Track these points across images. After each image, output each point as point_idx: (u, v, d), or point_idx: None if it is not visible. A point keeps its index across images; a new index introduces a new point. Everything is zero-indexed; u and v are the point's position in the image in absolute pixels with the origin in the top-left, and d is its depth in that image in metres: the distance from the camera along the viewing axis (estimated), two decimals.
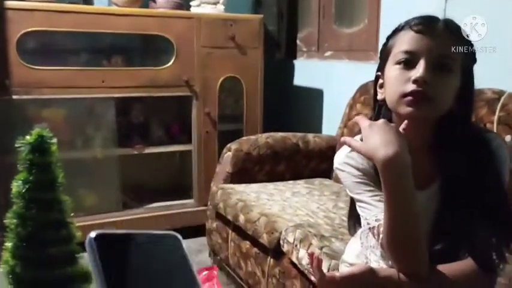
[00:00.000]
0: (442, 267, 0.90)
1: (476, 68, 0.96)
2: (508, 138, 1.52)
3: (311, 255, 0.90)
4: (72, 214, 0.96)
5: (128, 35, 2.38)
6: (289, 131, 2.38)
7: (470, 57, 0.93)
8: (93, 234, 0.34)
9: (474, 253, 0.90)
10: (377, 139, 0.85)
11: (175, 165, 2.76)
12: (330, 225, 1.60)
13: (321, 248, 1.40)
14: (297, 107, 3.01)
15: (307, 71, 2.94)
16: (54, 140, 0.91)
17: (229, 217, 1.89)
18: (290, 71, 3.04)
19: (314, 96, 2.80)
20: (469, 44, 0.93)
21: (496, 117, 1.57)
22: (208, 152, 2.53)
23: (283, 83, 3.08)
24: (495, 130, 1.55)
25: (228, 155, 2.13)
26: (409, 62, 0.90)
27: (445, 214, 0.93)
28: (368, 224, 0.95)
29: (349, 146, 0.91)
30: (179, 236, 0.37)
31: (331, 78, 2.67)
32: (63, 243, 0.87)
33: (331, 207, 1.78)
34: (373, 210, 0.95)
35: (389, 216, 0.87)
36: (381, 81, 0.99)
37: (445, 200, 0.94)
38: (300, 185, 2.10)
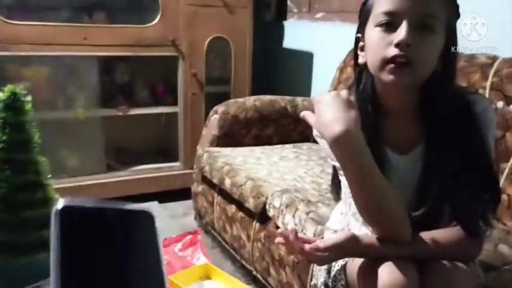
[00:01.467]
0: (427, 234, 0.88)
1: None
2: (500, 104, 1.49)
3: (283, 236, 0.90)
4: (49, 176, 0.91)
5: None
6: (278, 94, 2.33)
7: (453, 15, 0.89)
8: (60, 205, 0.30)
9: (459, 218, 0.88)
10: (326, 116, 0.81)
11: (160, 127, 2.70)
12: (316, 190, 1.58)
13: (307, 213, 1.38)
14: (287, 70, 2.94)
15: (297, 33, 2.86)
16: (29, 98, 0.86)
17: (215, 181, 1.86)
18: (280, 33, 2.96)
19: (304, 59, 2.73)
20: (453, 1, 0.88)
21: (488, 83, 1.53)
22: (194, 115, 2.48)
23: (272, 45, 3.00)
24: (487, 96, 1.53)
25: (214, 118, 2.08)
26: (390, 24, 0.84)
27: (428, 178, 0.91)
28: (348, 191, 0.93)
29: (307, 121, 0.87)
30: (153, 213, 0.33)
31: (322, 40, 2.60)
32: (39, 206, 0.83)
33: (318, 172, 1.76)
34: None
35: (352, 190, 0.85)
36: (361, 43, 0.94)
37: (428, 163, 0.91)
38: (288, 150, 2.07)
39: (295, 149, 2.07)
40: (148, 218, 0.33)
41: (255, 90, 2.59)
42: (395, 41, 0.82)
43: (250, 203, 1.62)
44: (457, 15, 0.90)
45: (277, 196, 1.52)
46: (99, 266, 0.31)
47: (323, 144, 0.99)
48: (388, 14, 0.84)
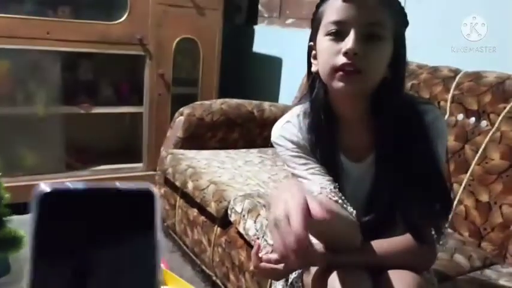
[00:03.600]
0: (379, 242, 0.89)
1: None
2: (460, 116, 1.53)
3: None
4: None
5: None
6: (246, 98, 2.32)
7: (401, 22, 0.90)
8: (42, 189, 0.26)
9: (409, 226, 0.89)
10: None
11: (124, 127, 2.64)
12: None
13: None
14: (255, 74, 2.94)
15: (267, 38, 2.86)
16: None
17: (178, 183, 1.83)
18: (250, 37, 2.95)
19: (273, 64, 2.73)
20: (400, 7, 0.89)
21: (450, 95, 1.57)
22: (160, 116, 2.43)
23: (242, 49, 2.99)
24: (448, 108, 1.56)
25: (179, 120, 2.05)
26: (338, 33, 0.85)
27: (378, 186, 0.92)
28: None
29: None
30: (154, 192, 0.29)
31: (291, 46, 2.61)
32: None
33: (282, 178, 1.75)
34: (306, 184, 0.93)
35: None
36: (314, 52, 0.94)
37: (379, 171, 0.92)
38: (253, 154, 2.06)
39: (260, 154, 2.06)
40: (147, 199, 0.29)
41: (223, 93, 2.57)
42: (343, 49, 0.83)
43: (212, 207, 1.59)
44: (405, 24, 0.91)
45: (240, 201, 1.50)
46: (86, 255, 0.27)
47: (280, 151, 0.99)
48: (336, 23, 0.85)
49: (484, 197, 1.39)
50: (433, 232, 0.89)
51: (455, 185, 1.47)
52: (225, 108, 2.11)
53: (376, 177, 0.92)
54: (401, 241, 0.89)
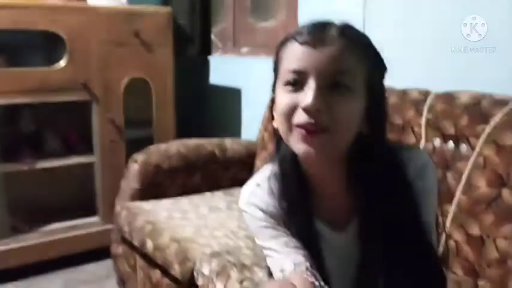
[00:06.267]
0: None
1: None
2: (437, 142, 1.41)
3: None
4: None
5: (9, 31, 2.01)
6: (206, 134, 2.16)
7: (376, 68, 0.75)
8: None
9: None
10: None
11: (75, 180, 2.41)
12: (251, 248, 1.40)
13: (241, 282, 1.19)
14: (214, 109, 2.78)
15: (223, 69, 2.72)
16: None
17: (136, 243, 1.63)
18: (205, 69, 2.81)
19: (232, 96, 2.58)
20: (373, 51, 0.74)
21: (423, 120, 1.45)
22: (114, 164, 2.23)
23: (197, 82, 2.84)
24: (423, 134, 1.44)
25: (134, 169, 1.86)
26: (297, 83, 0.70)
27: (365, 259, 0.77)
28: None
29: None
30: None
31: (250, 76, 2.48)
32: None
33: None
34: (278, 259, 0.79)
35: None
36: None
37: (364, 241, 0.77)
38: (218, 197, 1.89)
39: (227, 197, 1.89)
40: None
41: (181, 132, 2.40)
42: (302, 105, 0.68)
43: (176, 270, 1.40)
44: (382, 69, 0.76)
45: (206, 261, 1.32)
46: None
47: (248, 220, 0.84)
48: (294, 72, 0.70)
49: (475, 230, 1.26)
50: None
51: (441, 218, 1.34)
52: (183, 151, 1.93)
53: (361, 250, 0.77)
54: None
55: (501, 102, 1.30)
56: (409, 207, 0.74)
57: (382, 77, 0.76)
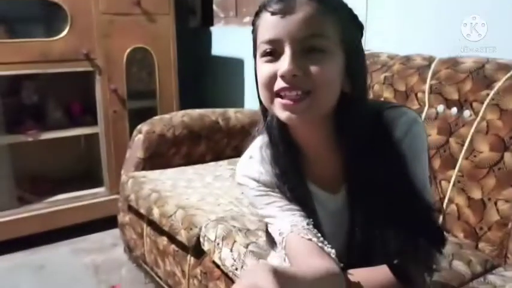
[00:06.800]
0: (358, 273, 0.76)
1: None
2: (440, 108, 1.41)
3: None
4: None
5: (10, 2, 1.99)
6: (209, 106, 2.16)
7: (351, 27, 0.74)
8: None
9: (391, 266, 0.76)
10: None
11: (80, 150, 2.43)
12: (255, 214, 1.42)
13: (247, 246, 1.21)
14: (217, 79, 2.77)
15: (225, 39, 2.70)
16: None
17: (142, 211, 1.65)
18: (207, 40, 2.79)
19: (234, 67, 2.57)
20: (346, 10, 0.74)
21: (427, 86, 1.45)
22: (118, 134, 2.24)
23: (200, 53, 2.82)
24: (427, 100, 1.44)
25: (138, 138, 1.87)
26: (273, 53, 0.70)
27: (357, 221, 0.78)
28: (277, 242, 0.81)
29: None
30: None
31: (251, 46, 2.46)
32: None
33: None
34: (276, 223, 0.80)
35: None
36: None
37: (353, 202, 0.78)
38: (223, 167, 1.90)
39: (231, 166, 1.90)
40: None
41: (184, 103, 2.40)
42: (279, 72, 0.69)
43: (183, 236, 1.43)
44: (357, 27, 0.75)
45: (212, 227, 1.34)
46: None
47: (245, 191, 0.86)
48: (268, 42, 0.70)
49: (477, 194, 1.27)
50: (416, 270, 0.75)
51: (443, 183, 1.35)
52: (187, 121, 1.94)
53: (351, 210, 0.78)
54: (381, 274, 0.76)
55: (505, 67, 1.30)
56: (397, 165, 0.74)
57: (358, 34, 0.76)
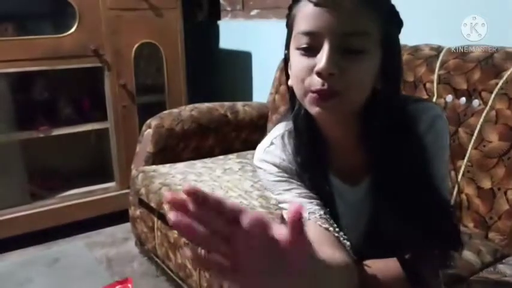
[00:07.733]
0: (374, 264, 0.77)
1: None
2: (449, 98, 1.41)
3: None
4: None
5: None
6: (217, 99, 2.17)
7: (392, 23, 0.72)
8: None
9: (404, 265, 0.76)
10: None
11: (91, 146, 2.45)
12: (265, 206, 1.43)
13: None
14: (224, 73, 2.78)
15: (233, 33, 2.70)
16: None
17: (153, 204, 1.67)
18: (214, 34, 2.79)
19: (242, 60, 2.58)
20: (389, 7, 0.72)
21: (435, 76, 1.44)
22: (127, 129, 2.26)
23: (207, 47, 2.83)
24: (435, 90, 1.44)
25: (148, 133, 1.89)
26: (311, 46, 0.68)
27: (378, 213, 0.78)
28: None
29: None
30: None
31: (259, 39, 2.46)
32: None
33: None
34: None
35: None
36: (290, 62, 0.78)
37: (377, 199, 0.78)
38: (232, 160, 1.91)
39: (240, 159, 1.91)
40: None
41: (193, 97, 2.41)
42: (316, 69, 0.67)
43: None
44: (398, 24, 0.74)
45: None
46: None
47: (263, 176, 0.86)
48: (307, 34, 0.68)
49: (486, 184, 1.27)
50: (428, 273, 0.76)
51: (452, 173, 1.35)
52: (196, 115, 1.95)
53: (374, 205, 0.79)
54: (394, 268, 0.76)
55: None
56: (420, 161, 0.74)
57: (397, 32, 0.75)
